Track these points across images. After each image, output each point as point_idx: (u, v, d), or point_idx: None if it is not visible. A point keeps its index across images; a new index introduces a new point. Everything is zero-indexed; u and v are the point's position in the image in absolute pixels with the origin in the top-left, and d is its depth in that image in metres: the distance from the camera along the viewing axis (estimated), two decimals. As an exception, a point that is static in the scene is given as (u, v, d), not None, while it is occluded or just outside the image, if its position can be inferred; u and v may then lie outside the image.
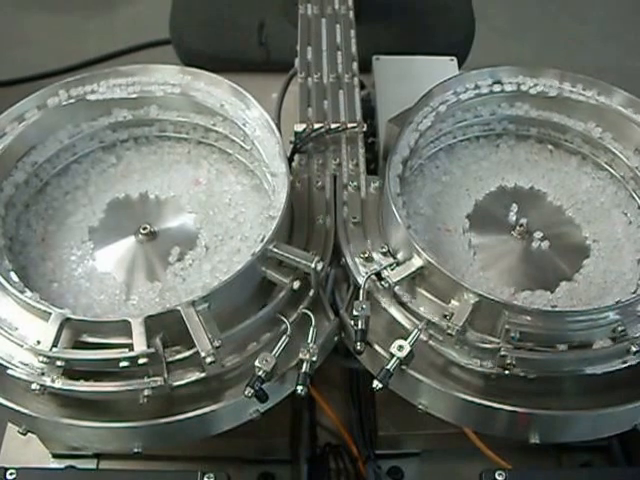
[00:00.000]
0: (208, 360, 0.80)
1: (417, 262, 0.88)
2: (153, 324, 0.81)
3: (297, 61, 1.23)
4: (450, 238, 1.00)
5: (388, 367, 0.82)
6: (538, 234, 0.99)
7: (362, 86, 1.28)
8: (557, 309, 0.91)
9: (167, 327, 0.82)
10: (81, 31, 2.65)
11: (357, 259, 0.94)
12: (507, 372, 0.83)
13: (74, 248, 0.99)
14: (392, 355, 0.83)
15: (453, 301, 0.86)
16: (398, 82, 1.32)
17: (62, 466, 1.06)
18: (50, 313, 0.82)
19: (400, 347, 0.83)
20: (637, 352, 0.83)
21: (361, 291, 0.89)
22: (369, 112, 1.28)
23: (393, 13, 1.72)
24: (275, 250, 0.88)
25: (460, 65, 1.44)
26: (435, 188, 1.07)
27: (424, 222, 1.02)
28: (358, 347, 0.85)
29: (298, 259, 0.88)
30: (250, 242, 0.97)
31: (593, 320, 0.83)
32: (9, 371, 0.82)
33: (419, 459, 1.09)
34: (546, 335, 0.83)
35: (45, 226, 1.01)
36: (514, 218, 1.02)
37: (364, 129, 1.11)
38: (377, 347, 0.88)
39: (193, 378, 0.84)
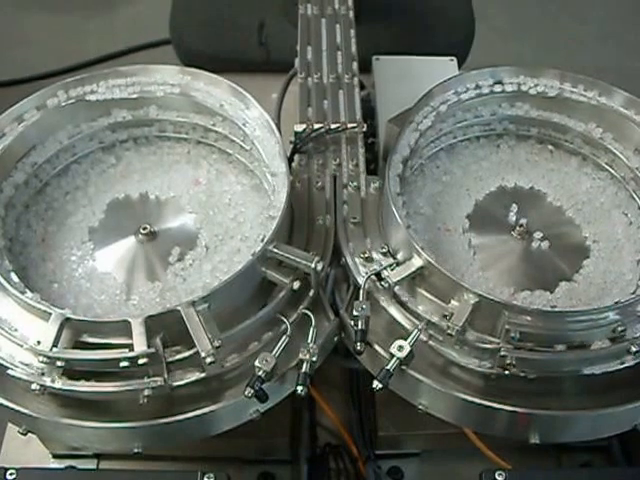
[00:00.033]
0: (208, 360, 0.80)
1: (417, 262, 0.88)
2: (153, 324, 0.81)
3: (297, 61, 1.23)
4: (450, 238, 1.00)
5: (388, 367, 0.82)
6: (538, 234, 0.99)
7: (362, 86, 1.28)
8: (557, 309, 0.91)
9: (167, 327, 0.82)
10: (81, 31, 2.65)
11: (357, 259, 0.94)
12: (507, 372, 0.83)
13: (74, 248, 0.99)
14: (392, 355, 0.83)
15: (453, 301, 0.86)
16: (398, 82, 1.32)
17: (62, 466, 1.06)
18: (50, 313, 0.82)
19: (400, 347, 0.83)
20: (637, 352, 0.83)
21: (361, 291, 0.89)
22: (369, 112, 1.27)
23: (393, 13, 1.72)
24: (275, 250, 0.88)
25: (460, 65, 1.43)
26: (435, 188, 1.07)
27: (424, 222, 1.02)
28: (358, 347, 0.85)
29: (298, 259, 0.87)
30: (250, 242, 0.97)
31: (593, 320, 0.83)
32: (9, 371, 0.82)
33: (419, 459, 1.09)
34: (546, 335, 0.83)
35: (45, 227, 1.01)
36: (514, 218, 1.02)
37: (364, 129, 1.10)
38: (377, 347, 0.88)
39: (193, 378, 0.84)
